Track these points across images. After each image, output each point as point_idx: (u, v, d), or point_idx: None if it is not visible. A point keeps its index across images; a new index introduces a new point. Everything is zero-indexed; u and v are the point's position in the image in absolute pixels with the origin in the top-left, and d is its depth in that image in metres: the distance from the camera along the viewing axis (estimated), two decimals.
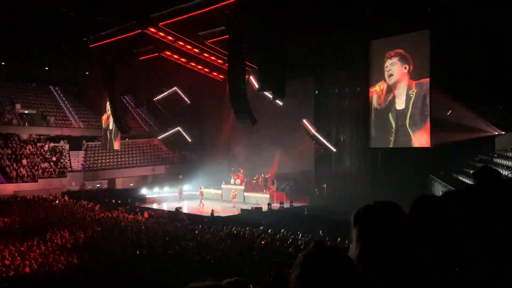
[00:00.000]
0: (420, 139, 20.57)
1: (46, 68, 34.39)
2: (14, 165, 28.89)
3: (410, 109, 20.77)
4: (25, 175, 28.69)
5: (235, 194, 23.69)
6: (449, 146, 18.99)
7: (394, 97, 21.43)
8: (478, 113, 18.53)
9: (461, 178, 17.89)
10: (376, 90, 21.97)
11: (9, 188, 26.98)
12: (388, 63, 21.31)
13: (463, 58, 17.64)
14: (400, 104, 21.24)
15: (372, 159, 22.87)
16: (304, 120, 25.44)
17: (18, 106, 33.89)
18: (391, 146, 21.88)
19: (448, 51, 18.43)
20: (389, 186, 18.69)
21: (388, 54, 21.15)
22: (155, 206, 24.47)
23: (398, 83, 21.24)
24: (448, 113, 19.86)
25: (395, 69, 21.11)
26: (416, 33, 20.29)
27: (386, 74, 21.37)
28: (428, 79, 19.97)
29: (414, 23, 19.14)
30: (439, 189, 18.33)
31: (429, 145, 20.12)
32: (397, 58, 21.11)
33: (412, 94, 20.73)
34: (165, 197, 26.15)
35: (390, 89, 21.48)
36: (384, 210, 1.62)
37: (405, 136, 21.09)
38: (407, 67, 20.83)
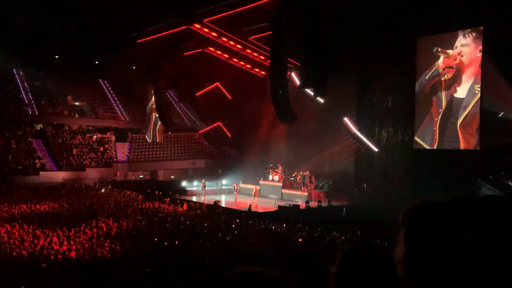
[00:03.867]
0: (469, 141, 19.69)
1: (96, 62, 35.85)
2: (64, 154, 30.43)
3: (469, 107, 19.35)
4: (74, 164, 30.14)
5: (255, 192, 23.30)
6: (499, 149, 18.04)
7: (454, 81, 19.98)
8: None
9: (511, 183, 16.97)
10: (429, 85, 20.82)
11: (59, 176, 28.45)
12: (459, 42, 19.46)
13: None
14: (459, 92, 19.71)
15: (416, 160, 22.10)
16: (346, 118, 25.03)
17: (69, 98, 35.65)
18: (435, 147, 21.12)
19: (501, 49, 17.50)
20: (433, 189, 18.04)
21: (464, 31, 19.20)
22: (194, 198, 24.97)
23: (465, 68, 19.51)
24: (500, 115, 18.87)
25: (467, 50, 19.23)
26: (467, 31, 19.40)
27: (454, 51, 19.76)
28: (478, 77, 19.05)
29: (465, 21, 18.31)
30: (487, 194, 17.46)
31: (478, 148, 19.24)
32: (471, 38, 18.99)
33: (478, 90, 19.11)
34: (203, 190, 26.53)
35: (454, 69, 19.82)
36: (434, 210, 1.57)
37: (451, 135, 20.22)
38: (481, 52, 18.77)
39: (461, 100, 19.79)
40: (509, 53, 17.01)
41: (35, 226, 13.56)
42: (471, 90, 19.42)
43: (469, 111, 19.36)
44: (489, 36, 18.30)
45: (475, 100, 19.15)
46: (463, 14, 17.93)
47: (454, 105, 20.09)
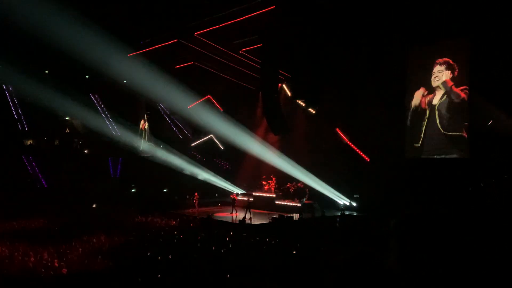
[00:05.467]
0: (459, 150, 19.93)
1: (87, 77, 35.70)
2: (56, 170, 30.14)
3: (436, 115, 20.86)
4: (66, 179, 29.84)
5: (247, 203, 23.04)
6: (489, 157, 18.27)
7: (432, 102, 21.46)
8: None
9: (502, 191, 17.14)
10: (418, 95, 21.76)
11: (50, 192, 28.12)
12: (436, 69, 21.27)
13: (504, 65, 17.07)
14: (435, 101, 21.33)
15: (408, 169, 22.20)
16: (337, 129, 25.17)
17: (60, 113, 35.36)
18: (427, 156, 21.33)
19: (489, 58, 17.87)
20: (425, 198, 18.14)
21: (438, 61, 21.15)
22: (187, 212, 24.75)
23: (439, 89, 21.17)
24: (489, 123, 19.12)
25: (442, 75, 21.08)
26: (454, 41, 19.94)
27: (432, 79, 21.47)
28: (465, 87, 19.71)
29: (452, 30, 18.72)
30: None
31: (468, 156, 19.46)
32: (444, 66, 21.03)
33: (446, 96, 20.71)
34: (195, 203, 26.33)
35: (432, 93, 21.49)
36: (422, 221, 1.58)
37: (440, 145, 20.66)
38: (452, 74, 20.72)
39: (436, 106, 21.18)
40: (496, 61, 17.37)
41: (25, 243, 13.36)
42: (442, 98, 20.95)
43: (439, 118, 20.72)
44: (476, 45, 18.73)
45: (443, 101, 20.68)
46: (452, 23, 18.31)
47: (431, 120, 21.37)
